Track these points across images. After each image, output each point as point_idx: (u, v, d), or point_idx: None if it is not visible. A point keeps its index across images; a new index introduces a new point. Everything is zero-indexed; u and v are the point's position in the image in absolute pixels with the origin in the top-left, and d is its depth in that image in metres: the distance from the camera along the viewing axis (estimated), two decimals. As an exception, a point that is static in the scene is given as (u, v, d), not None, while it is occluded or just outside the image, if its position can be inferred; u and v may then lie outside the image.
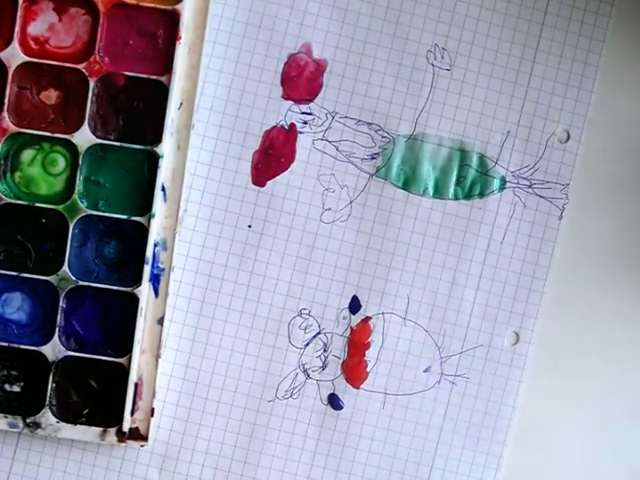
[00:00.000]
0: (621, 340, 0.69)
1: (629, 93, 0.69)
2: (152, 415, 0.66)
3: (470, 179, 0.69)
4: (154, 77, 0.67)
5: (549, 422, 0.69)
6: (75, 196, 0.66)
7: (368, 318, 0.68)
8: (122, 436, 0.66)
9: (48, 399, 0.66)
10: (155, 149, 0.66)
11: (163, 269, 0.67)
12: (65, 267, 0.66)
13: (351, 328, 0.68)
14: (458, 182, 0.69)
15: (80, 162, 0.66)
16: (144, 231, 0.66)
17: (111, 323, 0.67)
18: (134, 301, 0.66)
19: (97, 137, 0.66)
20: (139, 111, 0.67)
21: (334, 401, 0.68)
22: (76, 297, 0.66)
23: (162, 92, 0.66)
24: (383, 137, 0.68)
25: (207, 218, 0.68)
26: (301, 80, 0.68)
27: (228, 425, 0.68)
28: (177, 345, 0.68)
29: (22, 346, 0.66)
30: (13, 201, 0.66)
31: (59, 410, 0.66)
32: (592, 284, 0.69)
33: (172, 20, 0.67)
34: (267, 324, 0.68)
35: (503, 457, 0.69)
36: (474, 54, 0.69)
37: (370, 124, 0.68)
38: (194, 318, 0.68)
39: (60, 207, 0.66)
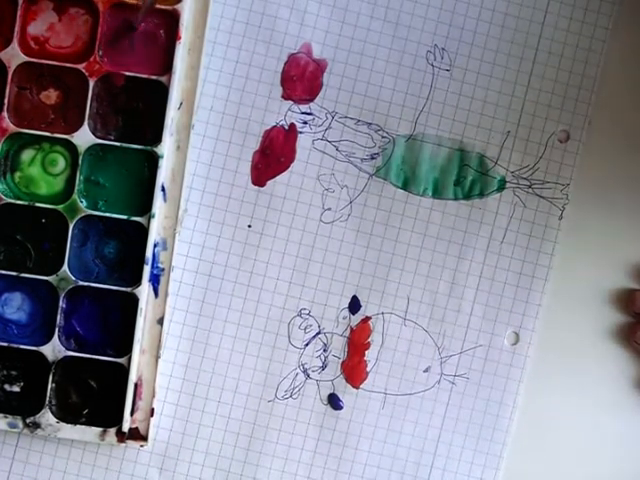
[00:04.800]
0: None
1: (629, 93, 0.69)
2: (152, 415, 0.66)
3: (470, 179, 0.69)
4: (154, 77, 0.67)
5: (549, 422, 0.69)
6: (75, 196, 0.66)
7: (368, 318, 0.68)
8: (122, 436, 0.66)
9: (48, 399, 0.66)
10: (155, 149, 0.66)
11: (163, 269, 0.67)
12: (65, 267, 0.66)
13: (351, 328, 0.68)
14: (458, 182, 0.69)
15: (80, 162, 0.66)
16: (144, 231, 0.66)
17: (111, 323, 0.67)
18: (134, 301, 0.66)
19: (97, 137, 0.66)
20: (139, 111, 0.67)
21: (334, 401, 0.68)
22: (76, 297, 0.66)
23: (162, 92, 0.66)
24: (383, 137, 0.68)
25: (207, 218, 0.68)
26: (301, 80, 0.68)
27: (228, 425, 0.68)
28: (177, 345, 0.68)
29: (22, 346, 0.66)
30: (13, 201, 0.66)
31: (59, 410, 0.66)
32: (592, 284, 0.69)
33: (172, 20, 0.67)
34: (267, 324, 0.68)
35: (503, 457, 0.69)
36: (474, 54, 0.69)
37: (370, 124, 0.68)
38: (194, 318, 0.68)
39: (60, 207, 0.66)
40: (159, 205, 0.67)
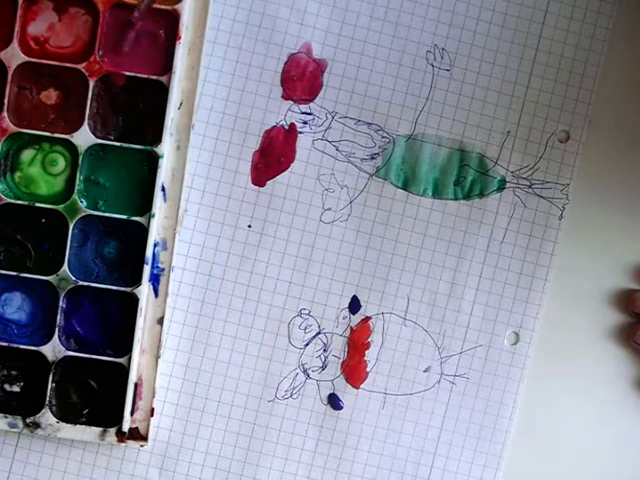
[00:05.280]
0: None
1: (629, 93, 0.69)
2: (152, 415, 0.66)
3: (470, 179, 0.69)
4: (154, 77, 0.67)
5: (549, 422, 0.69)
6: (75, 196, 0.66)
7: (368, 318, 0.68)
8: (122, 436, 0.66)
9: (48, 399, 0.66)
10: (155, 149, 0.66)
11: (163, 269, 0.67)
12: (65, 267, 0.66)
13: (351, 328, 0.68)
14: (458, 182, 0.69)
15: (80, 162, 0.66)
16: (144, 231, 0.66)
17: (111, 323, 0.67)
18: (134, 301, 0.66)
19: (97, 137, 0.66)
20: (139, 111, 0.67)
21: (334, 401, 0.68)
22: (76, 297, 0.66)
23: (162, 92, 0.66)
24: (383, 137, 0.68)
25: (207, 218, 0.68)
26: (301, 80, 0.68)
27: (228, 425, 0.68)
28: (177, 345, 0.68)
29: (22, 346, 0.66)
30: (13, 201, 0.66)
31: (59, 410, 0.66)
32: (592, 284, 0.69)
33: (172, 20, 0.67)
34: (267, 324, 0.68)
35: (503, 457, 0.69)
36: (474, 54, 0.69)
37: (370, 124, 0.68)
38: (194, 318, 0.68)
39: (60, 207, 0.66)
40: (159, 205, 0.67)
